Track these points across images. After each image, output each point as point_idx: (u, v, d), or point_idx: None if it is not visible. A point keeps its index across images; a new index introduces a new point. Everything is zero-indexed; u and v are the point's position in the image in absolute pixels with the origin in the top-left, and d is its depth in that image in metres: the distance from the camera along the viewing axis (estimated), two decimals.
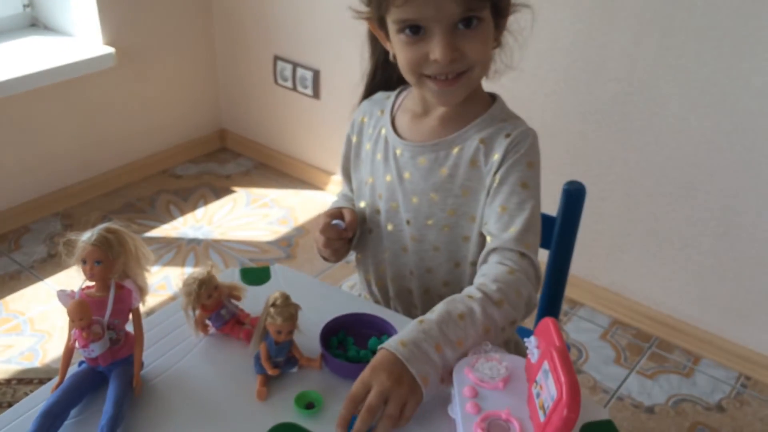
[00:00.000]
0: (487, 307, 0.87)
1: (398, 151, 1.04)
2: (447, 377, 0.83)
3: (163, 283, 2.06)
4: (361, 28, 1.05)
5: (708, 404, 1.77)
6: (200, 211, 2.43)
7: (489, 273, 0.91)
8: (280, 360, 0.87)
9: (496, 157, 0.97)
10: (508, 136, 0.98)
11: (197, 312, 0.93)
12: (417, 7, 0.88)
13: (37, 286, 2.03)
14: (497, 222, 0.96)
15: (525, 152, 0.97)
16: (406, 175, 1.03)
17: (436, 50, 0.90)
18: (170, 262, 2.15)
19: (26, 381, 1.70)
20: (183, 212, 2.42)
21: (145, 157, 2.59)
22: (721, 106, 1.67)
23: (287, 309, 0.85)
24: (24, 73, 2.06)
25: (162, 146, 2.63)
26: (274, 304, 0.85)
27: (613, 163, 1.89)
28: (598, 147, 1.89)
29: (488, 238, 0.96)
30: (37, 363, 1.77)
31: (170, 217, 2.38)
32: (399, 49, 0.95)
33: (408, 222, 1.05)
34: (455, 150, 1.00)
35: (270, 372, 0.86)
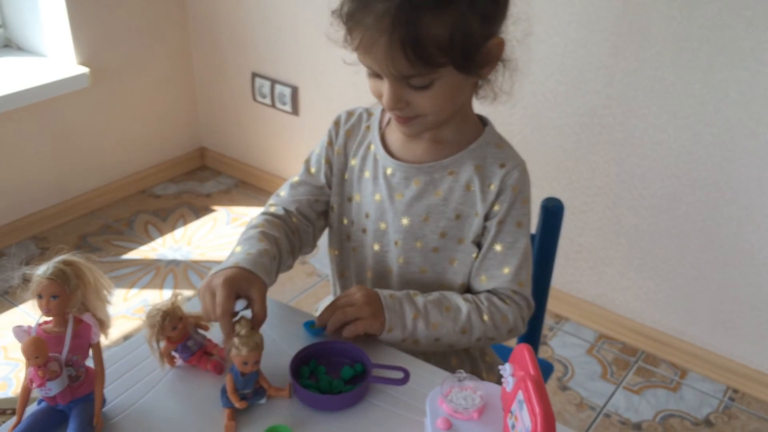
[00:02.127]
0: (472, 314, 0.97)
1: (389, 171, 1.01)
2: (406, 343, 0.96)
3: (141, 307, 2.01)
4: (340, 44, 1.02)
5: (696, 419, 1.75)
6: (179, 231, 2.39)
7: (487, 296, 1.01)
8: (247, 392, 0.84)
9: (492, 188, 0.99)
10: (502, 166, 0.99)
11: (162, 344, 0.89)
12: (368, 59, 0.89)
13: (12, 312, 1.98)
14: (492, 260, 1.00)
15: (520, 189, 0.99)
16: (398, 196, 1.01)
17: (383, 96, 0.92)
18: (149, 285, 2.11)
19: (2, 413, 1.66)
20: (162, 233, 2.38)
21: (122, 178, 2.55)
22: (699, 117, 1.66)
23: (252, 339, 0.82)
24: None
25: (140, 166, 2.60)
26: (238, 335, 0.82)
27: (593, 176, 1.87)
28: (579, 160, 1.88)
29: (483, 278, 1.01)
30: (10, 393, 1.72)
31: (149, 238, 2.35)
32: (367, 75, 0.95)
33: (396, 243, 1.02)
34: (450, 174, 1.00)
35: (237, 405, 0.83)
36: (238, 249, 0.95)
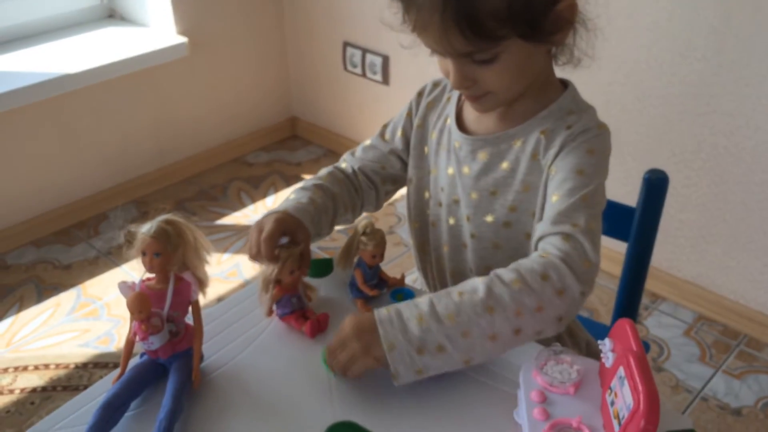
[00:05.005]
0: (493, 287, 0.78)
1: (456, 144, 0.99)
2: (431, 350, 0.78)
3: (234, 270, 2.08)
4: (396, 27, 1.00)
5: None
6: (270, 199, 2.44)
7: (518, 262, 0.82)
8: (373, 283, 0.94)
9: (554, 149, 0.89)
10: (569, 127, 0.90)
11: (273, 290, 0.91)
12: (427, 40, 0.85)
13: (114, 272, 2.09)
14: (545, 212, 0.87)
15: (586, 140, 0.88)
16: (465, 169, 0.98)
17: (450, 75, 0.88)
18: (241, 250, 2.17)
19: (102, 365, 1.76)
20: (254, 200, 2.44)
21: (217, 146, 2.62)
22: None
23: (378, 233, 0.92)
24: (100, 63, 2.11)
25: (234, 134, 2.66)
26: (364, 233, 0.92)
27: (699, 149, 1.77)
28: (683, 132, 1.78)
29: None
30: (112, 348, 1.82)
31: (241, 205, 2.41)
32: None
33: (468, 218, 0.99)
34: (517, 143, 0.94)
35: (371, 293, 0.93)
36: (292, 197, 1.00)
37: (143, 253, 0.81)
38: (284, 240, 0.92)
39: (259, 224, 0.93)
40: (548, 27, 0.83)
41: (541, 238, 0.84)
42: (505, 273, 0.80)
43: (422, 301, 0.80)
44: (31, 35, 2.24)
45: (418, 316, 0.78)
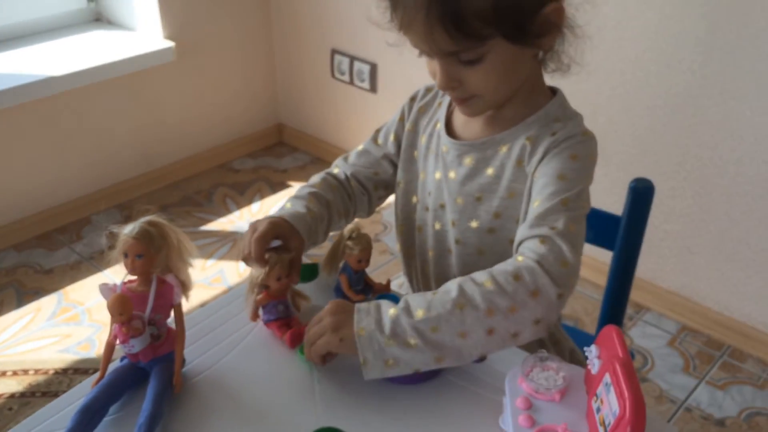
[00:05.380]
0: (465, 286, 0.78)
1: (444, 149, 0.99)
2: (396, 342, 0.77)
3: (218, 276, 2.06)
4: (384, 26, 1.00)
5: None
6: (256, 205, 2.43)
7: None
8: (359, 288, 0.93)
9: (538, 156, 0.89)
10: (554, 134, 0.89)
11: (260, 294, 0.90)
12: (413, 39, 0.85)
13: (97, 276, 2.06)
14: (526, 216, 0.87)
15: (569, 146, 0.87)
16: (452, 174, 0.97)
17: (436, 76, 0.88)
18: (226, 256, 2.16)
19: (82, 371, 1.73)
20: (239, 206, 2.42)
21: (203, 151, 2.61)
22: None
23: (363, 238, 0.91)
24: (86, 66, 2.09)
25: (220, 140, 2.65)
26: (350, 237, 0.91)
27: (684, 160, 1.78)
28: (669, 143, 1.79)
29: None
30: (93, 353, 1.79)
31: (227, 211, 2.39)
32: None
33: (453, 223, 0.98)
34: (503, 149, 0.93)
35: (355, 298, 0.91)
36: (288, 205, 0.99)
37: (125, 255, 0.80)
38: (276, 243, 0.91)
39: (254, 225, 0.92)
40: (534, 29, 0.83)
41: (520, 243, 0.84)
42: (479, 274, 0.80)
43: (401, 300, 0.80)
44: (17, 37, 2.22)
45: (392, 309, 0.78)
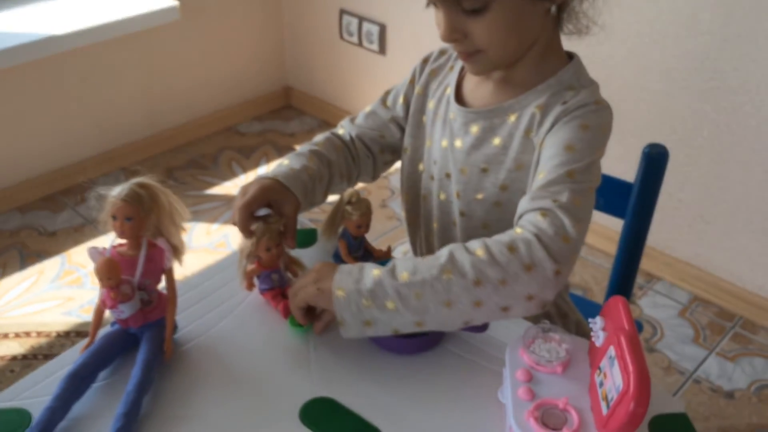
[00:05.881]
0: (456, 252, 0.73)
1: (451, 115, 0.94)
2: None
3: (223, 241, 2.04)
4: None
5: None
6: (262, 169, 2.40)
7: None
8: (358, 255, 0.91)
9: (546, 125, 0.84)
10: (564, 103, 0.84)
11: (251, 265, 0.88)
12: None
13: (100, 240, 2.05)
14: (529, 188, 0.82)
15: (580, 115, 0.82)
16: (458, 143, 0.93)
17: (440, 26, 0.83)
18: (230, 220, 2.13)
19: (84, 334, 1.71)
20: (245, 170, 2.39)
21: (209, 114, 2.57)
22: None
23: (363, 203, 0.88)
24: (89, 24, 2.05)
25: (227, 103, 2.61)
26: (349, 202, 0.88)
27: (700, 126, 1.72)
28: (685, 108, 1.73)
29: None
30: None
31: (232, 175, 2.36)
32: None
33: (458, 194, 0.94)
34: (511, 118, 0.88)
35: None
36: (285, 162, 0.94)
37: (114, 217, 0.77)
38: (263, 211, 0.87)
39: (244, 189, 0.88)
40: None
41: (520, 216, 0.79)
42: (473, 243, 0.75)
43: (390, 262, 0.76)
44: None
45: (376, 270, 0.75)
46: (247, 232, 0.86)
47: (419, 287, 0.72)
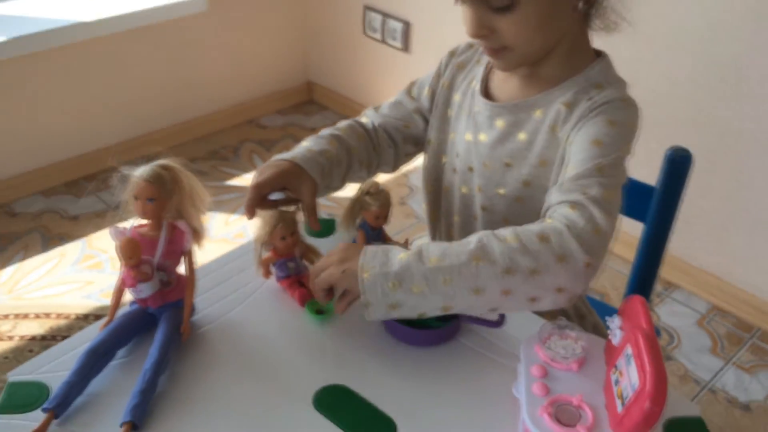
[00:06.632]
0: (486, 240, 0.72)
1: (476, 108, 0.94)
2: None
3: (241, 232, 2.05)
4: None
5: None
6: None
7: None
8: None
9: (572, 121, 0.84)
10: (590, 99, 0.84)
11: (267, 253, 0.88)
12: None
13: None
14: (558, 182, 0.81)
15: (607, 110, 0.82)
16: (482, 136, 0.93)
17: (466, 22, 0.82)
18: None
19: (103, 317, 1.74)
20: (266, 162, 2.40)
21: (232, 106, 2.58)
22: None
23: (382, 194, 0.89)
24: (118, 12, 2.07)
25: (249, 95, 2.62)
26: (369, 193, 0.89)
27: (725, 133, 1.70)
28: (709, 114, 1.71)
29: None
30: None
31: (252, 167, 2.38)
32: None
33: (479, 188, 0.94)
34: (537, 113, 0.88)
35: None
36: (304, 144, 0.94)
37: (135, 198, 0.78)
38: (278, 195, 0.87)
39: (261, 170, 0.88)
40: None
41: (548, 208, 0.79)
42: (502, 230, 0.74)
43: (414, 244, 0.76)
44: None
45: (403, 254, 0.73)
46: (251, 211, 0.85)
47: (447, 273, 0.71)
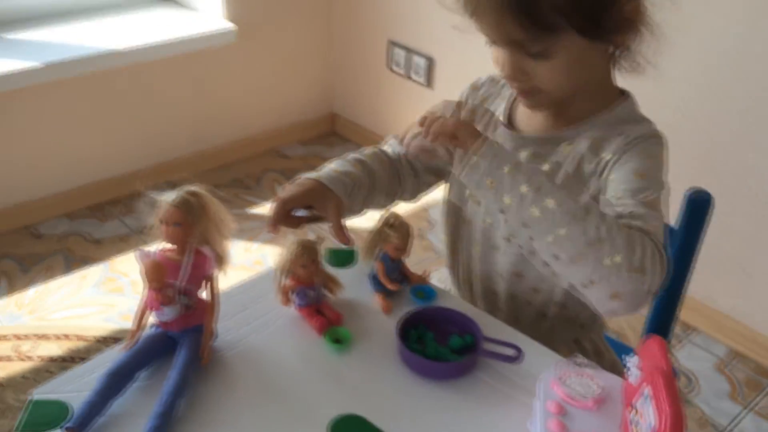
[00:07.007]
0: (594, 207, 0.76)
1: (499, 140, 0.95)
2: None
3: (260, 260, 2.07)
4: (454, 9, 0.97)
5: None
6: None
7: None
8: (394, 277, 0.92)
9: (606, 156, 0.86)
10: (622, 134, 0.86)
11: (287, 281, 0.89)
12: (479, 25, 0.82)
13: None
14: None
15: (645, 145, 0.85)
16: (505, 168, 0.94)
17: (501, 65, 0.85)
18: (270, 241, 2.16)
19: (122, 340, 1.75)
20: None
21: (255, 134, 2.62)
22: None
23: (403, 226, 0.90)
24: (147, 43, 2.12)
25: (273, 125, 2.66)
26: (389, 224, 0.89)
27: (746, 175, 1.70)
28: (730, 156, 1.71)
29: None
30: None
31: (274, 196, 2.40)
32: None
33: (506, 220, 0.95)
34: (563, 147, 0.90)
35: (390, 287, 0.91)
36: (330, 165, 0.96)
37: (162, 222, 0.80)
38: (302, 212, 0.89)
39: (288, 187, 0.91)
40: (610, 25, 0.80)
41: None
42: (606, 213, 0.77)
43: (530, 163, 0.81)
44: (85, 11, 2.27)
45: (515, 161, 0.79)
46: (275, 225, 0.88)
47: (559, 196, 0.75)
